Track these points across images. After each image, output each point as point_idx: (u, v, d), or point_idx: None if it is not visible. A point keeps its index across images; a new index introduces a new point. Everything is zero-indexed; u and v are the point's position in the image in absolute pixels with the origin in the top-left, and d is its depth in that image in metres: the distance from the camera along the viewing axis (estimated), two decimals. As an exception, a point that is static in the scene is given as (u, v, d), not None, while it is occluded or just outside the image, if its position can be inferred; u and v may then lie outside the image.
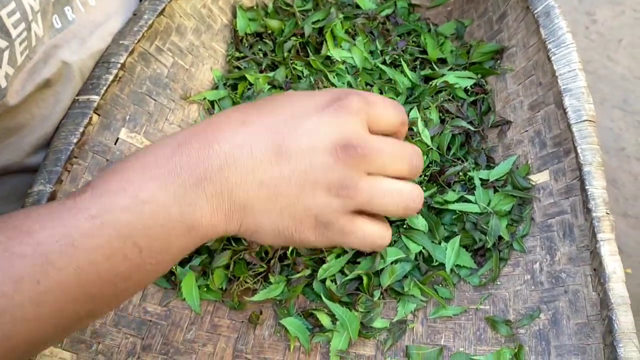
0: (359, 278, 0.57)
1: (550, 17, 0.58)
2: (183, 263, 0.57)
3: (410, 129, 0.64)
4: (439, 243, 0.58)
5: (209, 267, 0.56)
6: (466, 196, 0.60)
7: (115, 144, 0.56)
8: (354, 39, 0.72)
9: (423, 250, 0.58)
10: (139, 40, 0.58)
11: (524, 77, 0.63)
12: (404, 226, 0.59)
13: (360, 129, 0.40)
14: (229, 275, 0.57)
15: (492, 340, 0.51)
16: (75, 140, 0.51)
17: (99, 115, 0.54)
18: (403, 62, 0.70)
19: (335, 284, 0.57)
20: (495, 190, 0.59)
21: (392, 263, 0.57)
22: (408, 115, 0.65)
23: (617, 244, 0.46)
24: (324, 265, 0.57)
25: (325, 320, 0.55)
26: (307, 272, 0.58)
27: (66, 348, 0.48)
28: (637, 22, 2.01)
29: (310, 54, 0.71)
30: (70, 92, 0.53)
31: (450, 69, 0.70)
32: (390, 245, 0.58)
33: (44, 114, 0.52)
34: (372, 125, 0.41)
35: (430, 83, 0.68)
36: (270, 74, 0.69)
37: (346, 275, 0.57)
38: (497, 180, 0.60)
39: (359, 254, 0.59)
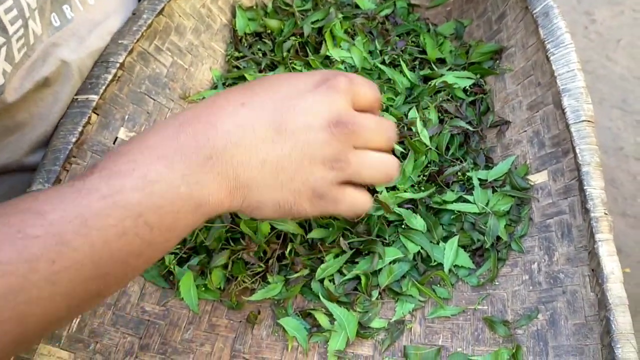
0: (357, 278, 0.57)
1: (549, 17, 0.58)
2: (181, 263, 0.57)
3: (409, 129, 0.64)
4: (438, 243, 0.58)
5: (207, 266, 0.56)
6: (465, 196, 0.60)
7: (114, 143, 0.55)
8: (353, 39, 0.72)
9: (421, 250, 0.58)
10: (138, 40, 0.58)
11: (522, 77, 0.63)
12: (403, 226, 0.59)
13: (348, 107, 0.44)
14: (227, 275, 0.57)
15: (490, 341, 0.51)
16: (74, 140, 0.51)
17: (97, 114, 0.54)
18: (402, 62, 0.70)
19: (334, 283, 0.57)
20: (494, 191, 0.59)
21: (390, 263, 0.57)
22: (407, 116, 0.65)
23: (615, 244, 0.46)
24: (322, 265, 0.57)
25: (323, 320, 0.55)
26: (306, 272, 0.58)
27: (64, 347, 0.48)
28: (636, 22, 2.01)
29: (310, 53, 0.71)
30: (68, 91, 0.53)
31: (449, 69, 0.70)
32: (389, 245, 0.58)
33: (42, 113, 0.52)
34: (355, 102, 0.45)
35: (429, 83, 0.68)
36: (270, 74, 0.69)
37: (344, 275, 0.57)
38: (495, 180, 0.60)
39: (357, 253, 0.59)
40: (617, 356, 0.41)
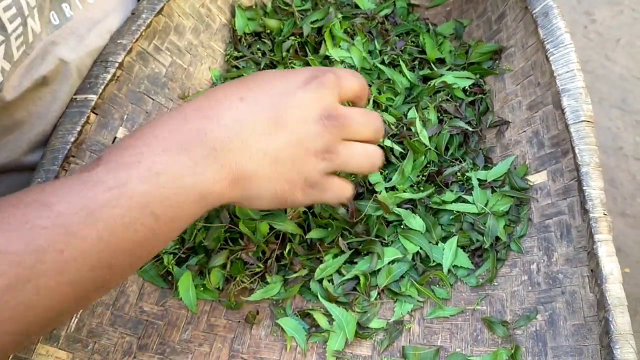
0: (356, 278, 0.57)
1: (548, 17, 0.57)
2: (180, 263, 0.57)
3: (409, 129, 0.64)
4: (437, 243, 0.58)
5: (206, 266, 0.56)
6: (464, 196, 0.60)
7: (112, 143, 0.55)
8: (352, 39, 0.72)
9: (420, 251, 0.58)
10: (137, 40, 0.58)
11: (522, 78, 0.63)
12: (402, 226, 0.59)
13: (337, 101, 0.47)
14: (225, 275, 0.57)
15: (488, 341, 0.51)
16: (72, 140, 0.51)
17: (96, 114, 0.54)
18: (402, 62, 0.70)
19: (332, 284, 0.57)
20: (493, 191, 0.59)
21: (389, 263, 0.57)
22: (406, 116, 0.65)
23: (615, 244, 0.46)
24: (321, 266, 0.57)
25: (321, 320, 0.55)
26: (304, 272, 0.58)
27: (62, 347, 0.48)
28: (636, 21, 2.01)
29: (309, 53, 0.71)
30: (67, 90, 0.53)
31: (449, 69, 0.70)
32: (388, 245, 0.58)
33: (41, 112, 0.51)
34: (342, 95, 0.48)
35: (429, 83, 0.68)
36: (268, 73, 0.69)
37: (343, 275, 0.57)
38: (494, 180, 0.60)
39: (356, 254, 0.59)
40: (616, 357, 0.41)
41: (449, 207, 0.59)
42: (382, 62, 0.71)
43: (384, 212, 0.59)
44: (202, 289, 0.56)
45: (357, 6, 0.77)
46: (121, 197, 0.36)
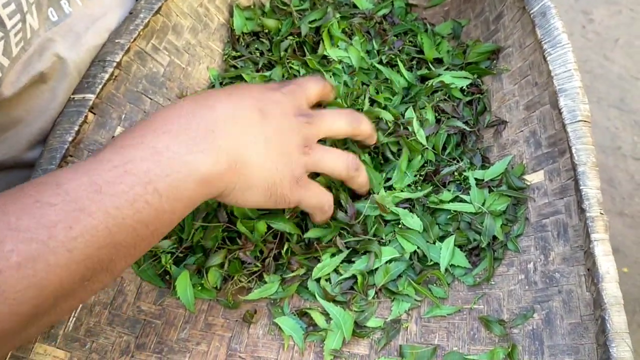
0: (353, 277, 0.57)
1: (546, 17, 0.58)
2: (178, 262, 0.57)
3: (406, 128, 0.64)
4: (434, 243, 0.58)
5: (204, 266, 0.56)
6: (461, 196, 0.60)
7: (110, 142, 0.55)
8: (350, 39, 0.72)
9: (418, 250, 0.58)
10: (135, 39, 0.58)
11: (519, 77, 0.63)
12: (399, 226, 0.59)
13: (306, 104, 0.54)
14: (223, 274, 0.57)
15: (485, 340, 0.51)
16: (70, 139, 0.51)
17: (94, 113, 0.54)
18: (399, 62, 0.70)
19: (330, 283, 0.57)
20: (490, 190, 0.60)
21: (386, 262, 0.57)
22: (404, 116, 0.66)
23: (613, 243, 0.46)
24: (319, 265, 0.57)
25: (319, 319, 0.55)
26: (302, 271, 0.58)
27: (60, 346, 0.48)
28: (634, 21, 2.01)
29: (307, 53, 0.71)
30: (66, 88, 0.53)
31: (447, 69, 0.70)
32: (385, 244, 0.59)
33: (39, 109, 0.52)
34: (309, 98, 0.55)
35: (427, 83, 0.68)
36: (267, 74, 0.69)
37: (341, 275, 0.57)
38: (492, 180, 0.60)
39: (354, 253, 0.59)
40: (612, 355, 0.41)
41: (446, 206, 0.59)
42: (380, 62, 0.71)
43: (380, 212, 0.59)
44: (199, 288, 0.57)
45: (355, 6, 0.77)
46: (125, 173, 0.38)
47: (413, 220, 0.59)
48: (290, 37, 0.71)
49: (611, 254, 0.45)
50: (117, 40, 0.57)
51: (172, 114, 0.44)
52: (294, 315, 0.56)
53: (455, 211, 0.59)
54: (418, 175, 0.63)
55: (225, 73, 0.70)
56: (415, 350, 0.52)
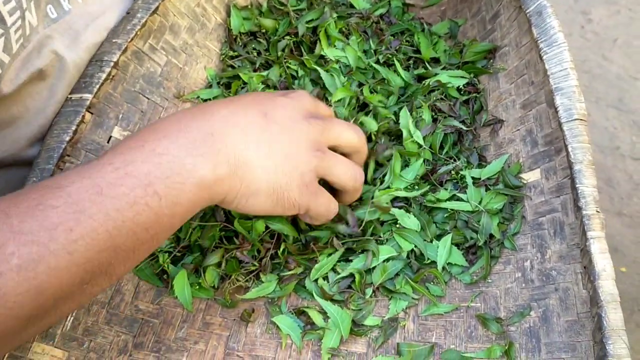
0: (351, 276, 0.57)
1: (542, 16, 0.58)
2: (175, 261, 0.57)
3: (399, 136, 0.64)
4: (431, 241, 0.58)
5: (201, 265, 0.56)
6: (458, 194, 0.60)
7: (108, 142, 0.56)
8: (347, 39, 0.72)
9: (415, 249, 0.58)
10: (132, 39, 0.58)
11: (516, 76, 0.63)
12: (397, 225, 0.59)
13: (316, 110, 0.52)
14: (220, 273, 0.57)
15: (482, 338, 0.52)
16: (67, 139, 0.51)
17: (92, 113, 0.54)
18: (396, 62, 0.70)
19: (328, 282, 0.57)
20: (487, 189, 0.60)
21: (384, 261, 0.57)
22: (398, 116, 0.66)
23: (612, 243, 0.47)
24: (317, 266, 0.57)
25: (317, 318, 0.55)
26: (299, 270, 0.58)
27: (58, 346, 0.48)
28: (632, 21, 2.01)
29: (304, 53, 0.71)
30: (65, 85, 0.53)
31: (443, 68, 0.70)
32: (383, 243, 0.59)
33: (38, 107, 0.52)
34: (317, 107, 0.53)
35: (423, 82, 0.69)
36: (264, 73, 0.69)
37: (338, 274, 0.57)
38: (488, 178, 0.60)
39: (351, 252, 0.59)
40: (608, 352, 0.41)
41: (443, 205, 0.59)
42: (377, 62, 0.71)
43: (381, 214, 0.59)
44: (197, 287, 0.57)
45: (352, 6, 0.77)
46: (126, 175, 0.38)
47: (410, 220, 0.59)
48: (288, 37, 0.72)
49: (607, 252, 0.45)
50: (114, 40, 0.57)
51: (173, 120, 0.44)
52: (292, 314, 0.56)
53: (452, 210, 0.59)
54: (416, 176, 0.63)
55: (223, 73, 0.70)
56: (413, 348, 0.52)
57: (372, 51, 0.73)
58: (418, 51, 0.73)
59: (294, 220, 0.59)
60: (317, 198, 0.50)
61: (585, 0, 2.08)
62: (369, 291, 0.57)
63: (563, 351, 0.46)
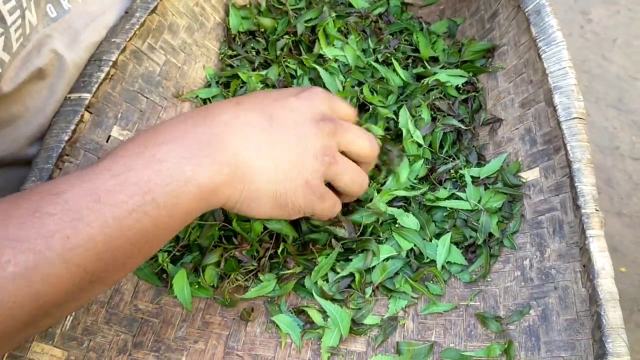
0: (350, 275, 0.57)
1: (541, 15, 0.58)
2: (175, 261, 0.57)
3: (399, 138, 0.64)
4: (430, 240, 0.58)
5: (200, 264, 0.56)
6: (457, 193, 0.60)
7: (107, 141, 0.56)
8: (346, 38, 0.72)
9: (414, 248, 0.58)
10: (131, 38, 0.58)
11: (515, 75, 0.63)
12: (396, 224, 0.59)
13: (329, 110, 0.50)
14: (220, 272, 0.57)
15: (482, 336, 0.51)
16: (66, 138, 0.51)
17: (90, 113, 0.54)
18: (395, 61, 0.70)
19: (327, 282, 0.57)
20: (486, 188, 0.60)
21: (383, 260, 0.57)
22: (397, 116, 0.66)
23: (611, 243, 0.47)
24: (316, 267, 0.57)
25: (316, 317, 0.55)
26: (298, 269, 0.58)
27: (57, 345, 0.48)
28: (632, 21, 2.02)
29: (303, 52, 0.71)
30: (64, 85, 0.53)
31: (442, 67, 0.70)
32: (382, 242, 0.59)
33: (38, 106, 0.52)
34: (333, 110, 0.51)
35: (422, 81, 0.69)
36: (263, 72, 0.69)
37: (338, 273, 0.57)
38: (487, 177, 0.60)
39: (350, 251, 0.59)
40: (608, 350, 0.41)
41: (442, 204, 0.60)
42: (376, 61, 0.71)
43: (377, 217, 0.59)
44: (196, 286, 0.57)
45: (350, 5, 0.77)
46: (125, 182, 0.38)
47: (409, 220, 0.59)
48: (286, 36, 0.72)
49: (607, 250, 0.45)
50: (113, 40, 0.57)
51: (174, 124, 0.43)
52: (291, 313, 0.56)
53: (451, 209, 0.59)
54: (416, 177, 0.63)
55: (222, 72, 0.70)
56: (412, 347, 0.52)
57: (371, 50, 0.72)
58: (417, 50, 0.73)
59: (294, 220, 0.59)
60: (323, 202, 0.49)
61: (584, 0, 2.08)
62: (369, 290, 0.57)
63: (562, 350, 0.46)
